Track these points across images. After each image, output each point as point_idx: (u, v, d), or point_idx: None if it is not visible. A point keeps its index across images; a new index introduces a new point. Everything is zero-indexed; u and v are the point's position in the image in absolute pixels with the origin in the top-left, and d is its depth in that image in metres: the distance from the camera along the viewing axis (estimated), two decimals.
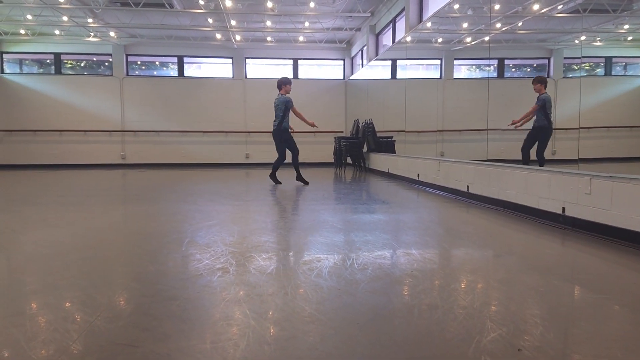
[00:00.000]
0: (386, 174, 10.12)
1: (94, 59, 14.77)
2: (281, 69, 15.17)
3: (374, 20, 12.22)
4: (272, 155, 14.91)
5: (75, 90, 14.26)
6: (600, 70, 6.56)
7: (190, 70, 15.16)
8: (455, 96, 8.96)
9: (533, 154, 5.89)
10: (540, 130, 5.89)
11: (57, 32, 13.18)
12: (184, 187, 8.07)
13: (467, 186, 6.19)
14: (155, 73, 15.19)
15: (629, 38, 6.29)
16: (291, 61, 15.25)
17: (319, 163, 14.12)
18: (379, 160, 10.95)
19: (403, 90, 9.61)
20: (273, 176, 8.50)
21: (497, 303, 2.34)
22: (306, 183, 8.38)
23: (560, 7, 6.02)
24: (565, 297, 2.51)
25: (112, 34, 13.38)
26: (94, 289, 2.52)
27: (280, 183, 8.41)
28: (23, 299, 2.40)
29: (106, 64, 14.68)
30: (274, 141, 8.37)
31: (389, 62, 11.14)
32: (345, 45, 14.94)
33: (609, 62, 6.43)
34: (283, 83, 8.22)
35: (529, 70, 8.19)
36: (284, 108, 8.04)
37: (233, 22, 12.44)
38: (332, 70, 15.68)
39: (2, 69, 14.12)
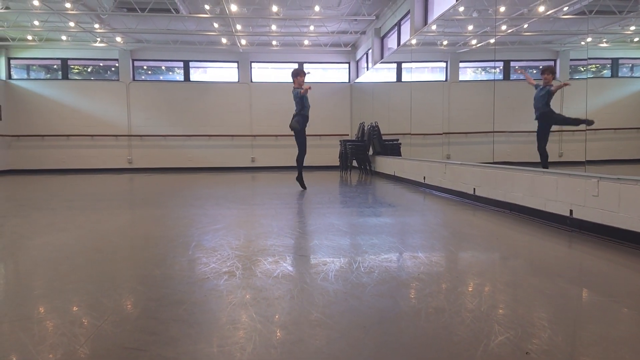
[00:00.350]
0: (392, 177, 10.10)
1: (101, 64, 14.88)
2: (286, 73, 15.18)
3: (379, 24, 12.23)
4: (277, 159, 15.11)
5: (82, 96, 14.37)
6: (606, 72, 6.53)
7: (196, 75, 15.23)
8: (461, 98, 8.95)
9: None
10: (545, 117, 5.76)
11: (64, 37, 13.28)
12: (191, 191, 8.10)
13: (474, 189, 6.17)
14: (161, 78, 15.28)
15: (635, 39, 6.26)
16: (296, 65, 15.28)
17: (324, 166, 14.13)
18: (384, 163, 10.94)
19: (408, 93, 9.60)
20: (299, 179, 8.09)
21: (504, 306, 2.33)
22: (304, 188, 8.08)
23: (565, 8, 6.00)
24: (573, 300, 2.50)
25: (118, 39, 13.47)
26: (101, 292, 2.53)
27: (305, 188, 8.07)
28: (31, 303, 2.41)
29: (112, 69, 14.78)
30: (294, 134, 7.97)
31: (394, 65, 11.14)
32: (350, 49, 14.96)
33: (615, 63, 6.40)
34: (294, 75, 7.91)
35: (534, 72, 8.16)
36: (297, 100, 7.75)
37: (238, 27, 12.49)
38: (337, 73, 15.70)
39: (10, 75, 14.25)
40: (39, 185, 9.76)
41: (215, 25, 12.42)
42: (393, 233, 4.25)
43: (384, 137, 11.23)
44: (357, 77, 15.09)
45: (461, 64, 9.29)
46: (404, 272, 2.93)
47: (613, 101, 6.29)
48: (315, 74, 15.26)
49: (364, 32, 13.49)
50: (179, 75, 15.11)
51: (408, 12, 9.91)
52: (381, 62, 11.94)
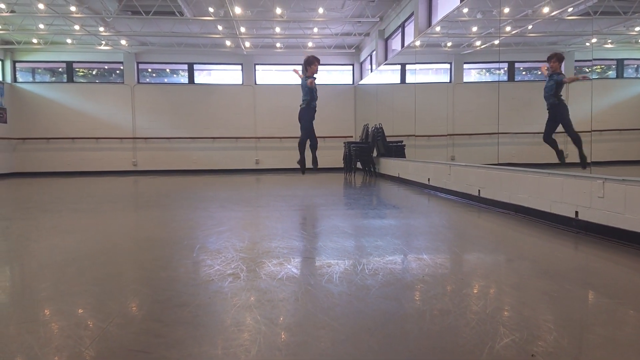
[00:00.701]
0: (396, 178, 10.09)
1: (106, 67, 14.95)
2: (291, 75, 15.22)
3: (383, 25, 12.23)
4: (281, 161, 15.12)
5: (87, 98, 14.43)
6: (611, 73, 6.50)
7: (200, 77, 15.28)
8: (466, 100, 8.93)
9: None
10: (556, 108, 5.64)
11: (69, 40, 13.35)
12: (195, 194, 8.11)
13: (478, 190, 6.15)
14: (165, 80, 15.33)
15: None
16: (301, 67, 15.29)
17: (328, 168, 14.12)
18: (389, 165, 10.93)
19: (412, 94, 9.59)
20: (314, 161, 7.64)
21: (509, 308, 2.31)
22: (303, 172, 7.81)
23: (570, 9, 5.98)
24: (578, 302, 2.48)
25: (123, 42, 13.53)
26: (106, 295, 2.54)
27: (304, 173, 7.84)
28: (36, 306, 2.42)
29: (117, 71, 14.85)
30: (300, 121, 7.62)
31: (398, 67, 11.14)
32: (354, 51, 14.97)
33: (620, 64, 6.38)
34: (307, 64, 7.60)
35: (539, 73, 8.14)
36: (306, 90, 7.52)
37: (242, 29, 12.52)
38: (341, 75, 15.71)
39: (15, 78, 14.34)
40: (45, 188, 9.81)
41: (220, 27, 12.46)
42: (397, 235, 4.25)
43: (388, 139, 11.22)
44: (361, 79, 15.09)
45: (465, 66, 9.28)
46: (408, 274, 2.92)
47: (618, 102, 6.26)
48: (319, 76, 15.23)
49: (367, 34, 13.49)
50: (183, 78, 15.16)
51: (412, 14, 9.91)
52: (385, 64, 11.94)
